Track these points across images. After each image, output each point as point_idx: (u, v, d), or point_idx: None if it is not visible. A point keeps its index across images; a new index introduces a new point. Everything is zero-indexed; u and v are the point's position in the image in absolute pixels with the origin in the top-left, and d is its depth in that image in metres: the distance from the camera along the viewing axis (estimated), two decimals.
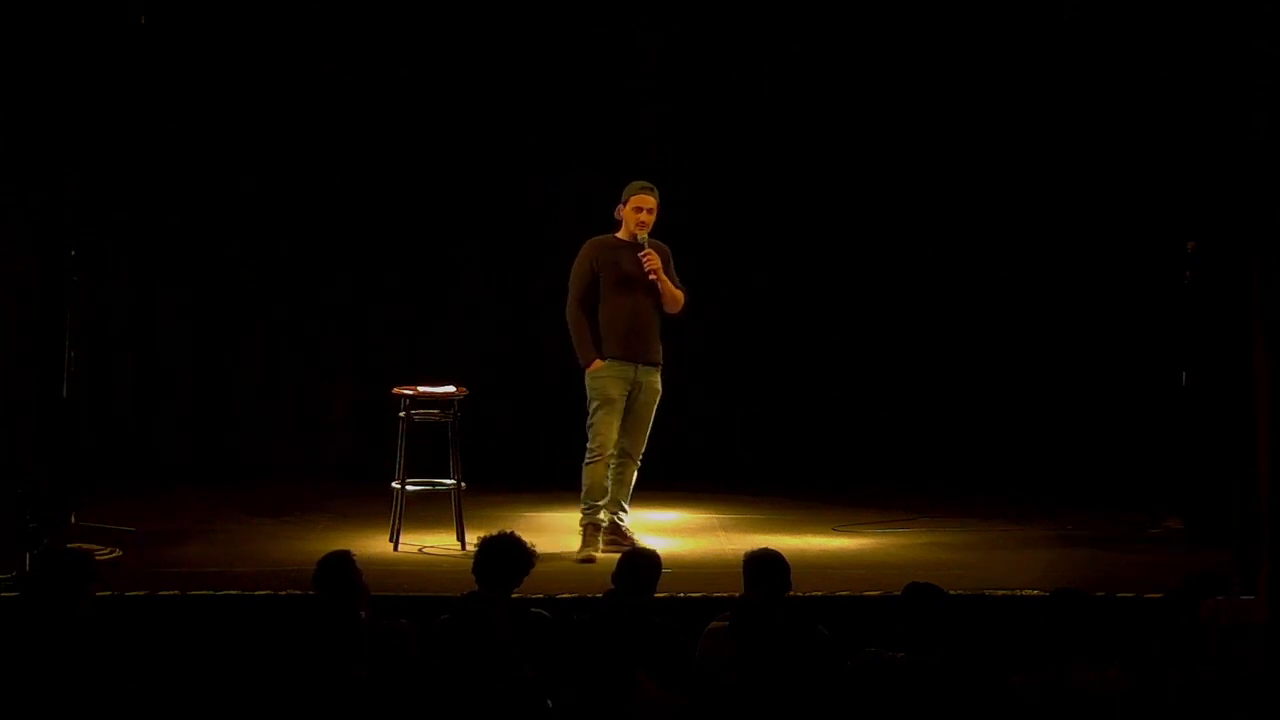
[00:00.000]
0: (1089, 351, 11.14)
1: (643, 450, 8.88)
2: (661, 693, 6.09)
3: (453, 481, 8.99)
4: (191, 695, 6.58)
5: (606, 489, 8.80)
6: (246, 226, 11.26)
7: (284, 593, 7.49)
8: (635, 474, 8.90)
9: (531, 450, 11.40)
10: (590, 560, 8.60)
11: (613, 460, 8.83)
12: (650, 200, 8.81)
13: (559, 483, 10.84)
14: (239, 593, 7.62)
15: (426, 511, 9.27)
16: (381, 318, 11.41)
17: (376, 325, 11.41)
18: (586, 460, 8.85)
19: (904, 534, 9.58)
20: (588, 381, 8.86)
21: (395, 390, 9.10)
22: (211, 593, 7.61)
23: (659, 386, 8.88)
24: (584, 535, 8.79)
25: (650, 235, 8.83)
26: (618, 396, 8.80)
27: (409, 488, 8.99)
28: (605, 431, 8.79)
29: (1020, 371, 11.28)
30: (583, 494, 8.85)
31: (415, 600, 7.24)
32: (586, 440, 8.85)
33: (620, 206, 8.87)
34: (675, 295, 8.83)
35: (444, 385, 9.10)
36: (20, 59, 10.55)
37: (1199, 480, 9.59)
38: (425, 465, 9.14)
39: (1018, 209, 11.24)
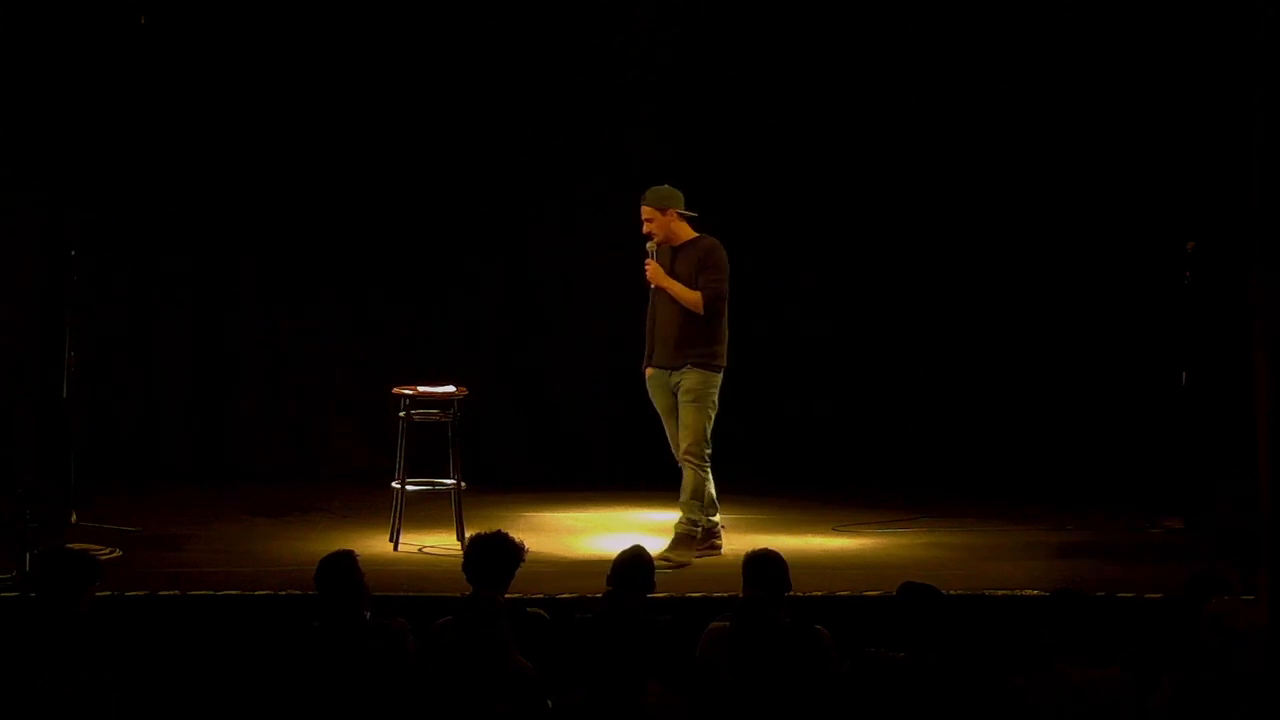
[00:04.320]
0: (1089, 351, 11.13)
1: (687, 450, 8.78)
2: (666, 695, 6.09)
3: (453, 481, 9.00)
4: (191, 695, 6.58)
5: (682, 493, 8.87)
6: (247, 226, 11.25)
7: (284, 593, 7.50)
8: (689, 477, 8.79)
9: (531, 450, 11.40)
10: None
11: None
12: (643, 210, 8.85)
13: (559, 483, 10.88)
14: (239, 593, 7.63)
15: (426, 511, 9.28)
16: (381, 318, 11.40)
17: (376, 326, 11.41)
18: None
19: (904, 534, 9.58)
20: None
21: (395, 390, 9.10)
22: (211, 593, 7.62)
23: (696, 382, 8.79)
24: None
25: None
26: (661, 406, 8.90)
27: (409, 488, 8.99)
28: (669, 439, 8.92)
29: (1020, 371, 11.27)
30: None
31: (415, 600, 7.24)
32: None
33: None
34: (684, 296, 8.79)
35: (444, 385, 9.11)
36: (21, 59, 10.57)
37: (1199, 480, 9.60)
38: (425, 465, 9.14)
39: (1018, 208, 11.23)
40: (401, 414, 9.00)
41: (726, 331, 8.91)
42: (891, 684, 6.06)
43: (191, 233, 11.21)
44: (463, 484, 9.00)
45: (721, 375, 8.88)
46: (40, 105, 10.70)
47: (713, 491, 8.88)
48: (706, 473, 8.80)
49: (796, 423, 11.40)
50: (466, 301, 11.50)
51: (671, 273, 8.83)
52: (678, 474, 10.83)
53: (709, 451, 8.80)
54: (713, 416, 8.83)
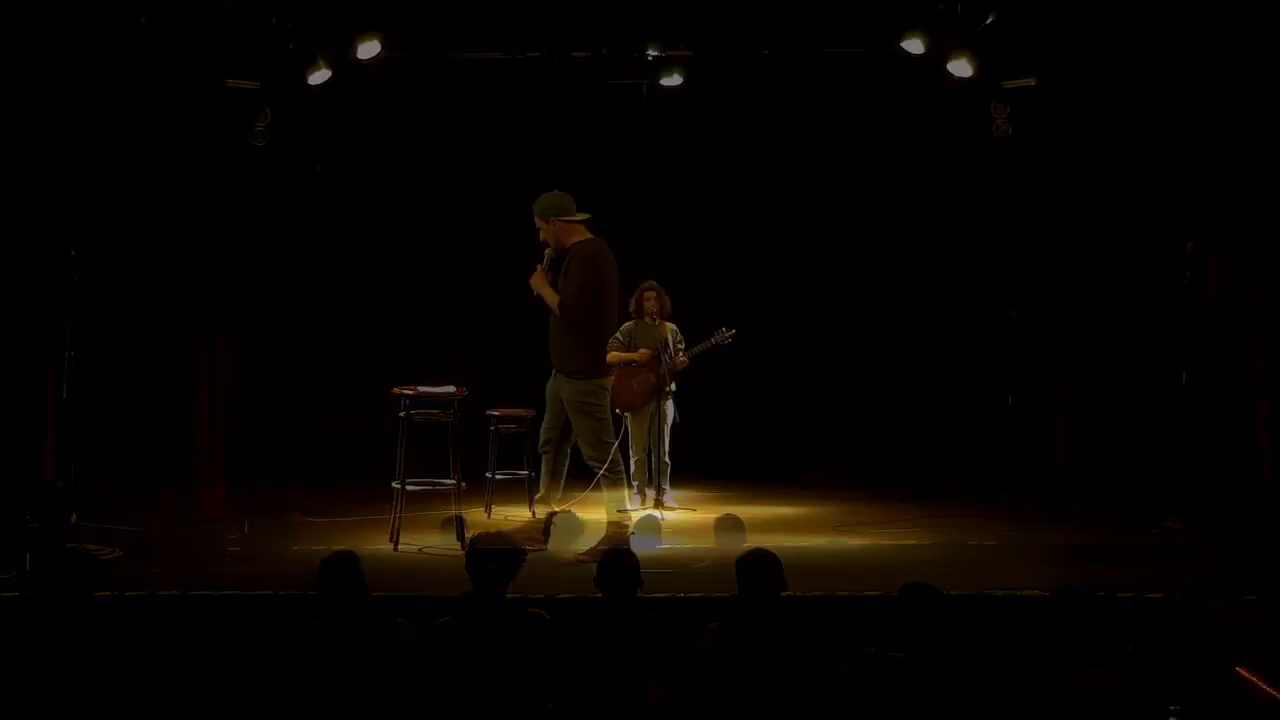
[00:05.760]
0: (1089, 351, 11.13)
1: (588, 458, 8.86)
2: (666, 695, 6.09)
3: (453, 481, 9.00)
4: (192, 695, 6.58)
5: (541, 480, 8.97)
6: (248, 228, 11.25)
7: (284, 593, 7.51)
8: (604, 484, 8.86)
9: (532, 450, 11.38)
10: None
11: (545, 453, 8.97)
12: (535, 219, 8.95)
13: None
14: (239, 593, 7.63)
15: (426, 511, 9.28)
16: (383, 319, 11.41)
17: (378, 327, 11.41)
18: None
19: (904, 534, 9.59)
20: None
21: (395, 390, 9.11)
22: (211, 593, 7.62)
23: (571, 393, 8.87)
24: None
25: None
26: (549, 395, 8.99)
27: (409, 488, 8.99)
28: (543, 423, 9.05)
29: (1020, 372, 11.27)
30: None
31: (415, 600, 7.24)
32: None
33: None
34: (549, 302, 8.89)
35: (444, 385, 9.11)
36: (21, 59, 10.57)
37: (1199, 480, 9.61)
38: (425, 465, 9.15)
39: (1017, 209, 11.24)
40: (401, 414, 9.01)
41: (602, 335, 8.94)
42: (891, 684, 6.06)
43: (191, 232, 11.20)
44: (463, 484, 9.00)
45: (602, 378, 8.93)
46: (40, 105, 10.70)
47: (559, 481, 8.95)
48: (616, 474, 8.86)
49: (797, 423, 11.40)
50: (467, 303, 11.50)
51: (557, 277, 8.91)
52: (678, 475, 10.88)
53: (611, 452, 8.85)
54: (603, 417, 8.88)
